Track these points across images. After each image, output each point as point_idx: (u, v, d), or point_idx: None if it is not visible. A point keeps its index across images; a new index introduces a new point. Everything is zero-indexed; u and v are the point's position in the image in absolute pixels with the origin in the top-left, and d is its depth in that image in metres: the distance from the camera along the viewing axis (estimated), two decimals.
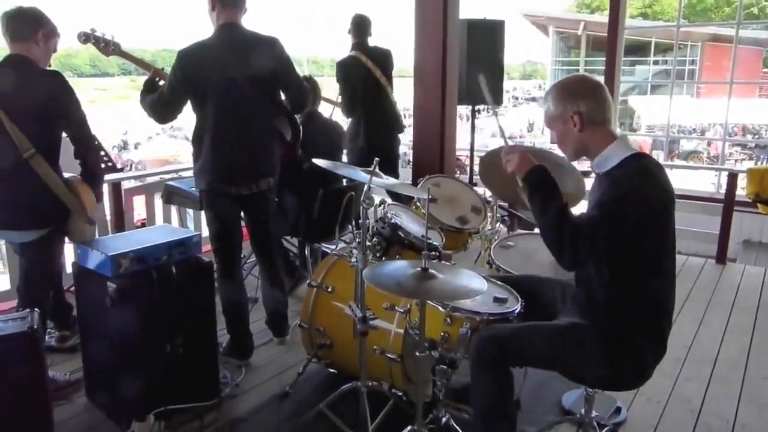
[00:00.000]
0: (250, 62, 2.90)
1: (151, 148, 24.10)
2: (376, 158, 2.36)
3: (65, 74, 2.78)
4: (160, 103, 2.92)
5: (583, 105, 1.98)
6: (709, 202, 5.65)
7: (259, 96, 2.96)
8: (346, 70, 4.57)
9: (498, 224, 5.20)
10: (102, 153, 3.55)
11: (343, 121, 4.86)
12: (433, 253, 2.71)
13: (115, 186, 4.25)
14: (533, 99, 39.89)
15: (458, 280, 1.99)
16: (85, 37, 2.96)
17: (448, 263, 2.55)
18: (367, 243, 2.47)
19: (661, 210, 1.91)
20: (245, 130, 2.95)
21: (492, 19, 5.17)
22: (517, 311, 2.23)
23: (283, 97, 3.14)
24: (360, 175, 2.37)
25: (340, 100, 4.71)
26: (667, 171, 2.04)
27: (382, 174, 2.36)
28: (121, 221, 4.26)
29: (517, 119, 29.80)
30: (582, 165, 2.41)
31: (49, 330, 3.24)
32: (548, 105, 2.05)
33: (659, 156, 14.55)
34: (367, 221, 2.32)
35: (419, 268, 1.97)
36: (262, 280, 3.37)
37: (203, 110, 2.91)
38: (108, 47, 3.02)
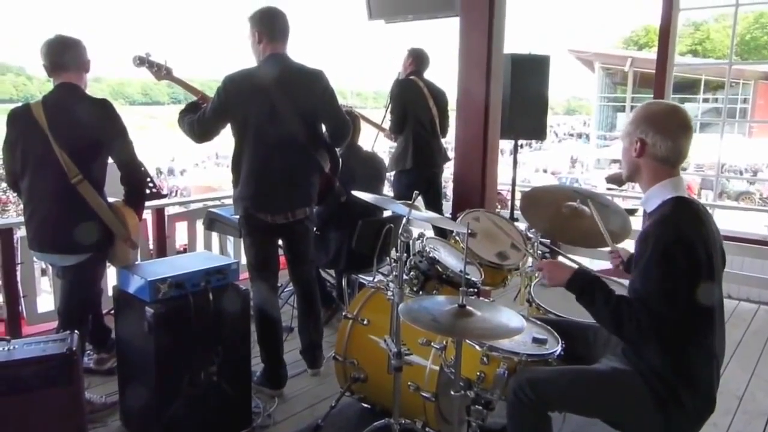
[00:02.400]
0: (294, 93, 2.94)
1: (197, 174, 24.70)
2: (416, 191, 2.34)
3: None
4: (199, 122, 2.96)
5: (651, 137, 1.91)
6: (762, 246, 5.43)
7: (300, 126, 2.98)
8: (402, 89, 4.62)
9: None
10: (148, 179, 3.64)
11: (384, 153, 4.87)
12: (471, 289, 2.66)
13: (159, 212, 4.33)
14: (579, 135, 39.55)
15: (496, 318, 1.94)
16: (140, 61, 3.03)
17: (486, 300, 2.49)
18: (405, 277, 2.44)
19: (702, 254, 1.83)
20: (284, 159, 2.96)
21: (537, 55, 5.15)
22: (557, 353, 2.15)
23: (324, 129, 3.16)
24: (399, 208, 2.35)
25: (388, 120, 4.73)
26: (717, 212, 1.99)
27: (420, 207, 2.34)
28: (163, 246, 4.33)
29: (559, 155, 29.54)
30: (627, 203, 2.36)
31: (87, 351, 3.29)
32: (630, 118, 2.02)
33: (708, 196, 14.16)
34: (405, 254, 2.29)
35: (456, 305, 1.93)
36: (299, 310, 3.36)
37: (243, 137, 2.94)
38: (161, 71, 3.08)
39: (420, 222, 2.74)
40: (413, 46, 4.71)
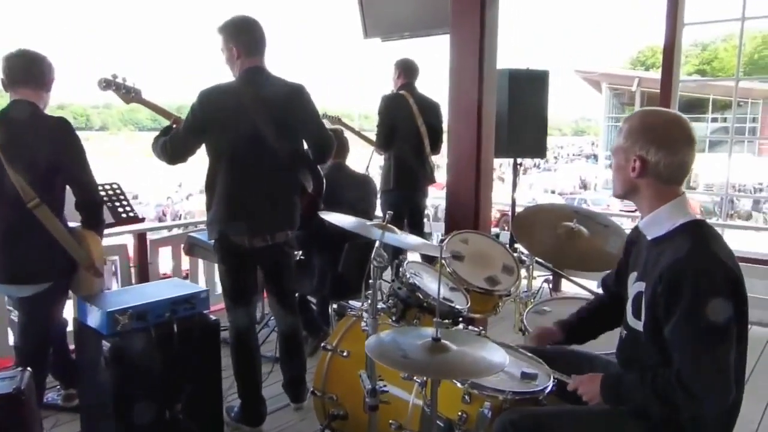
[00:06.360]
0: (275, 108, 2.76)
1: (203, 199, 24.67)
2: (389, 211, 2.15)
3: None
4: (172, 142, 2.78)
5: (653, 154, 1.67)
6: None
7: (281, 144, 2.80)
8: (389, 105, 4.45)
9: (542, 285, 4.87)
10: (125, 202, 3.49)
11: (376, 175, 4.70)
12: (458, 318, 2.45)
13: (141, 236, 4.17)
14: (587, 156, 39.45)
15: (476, 352, 1.73)
16: (106, 84, 2.86)
17: (476, 330, 2.29)
18: (382, 305, 2.24)
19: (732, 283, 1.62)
20: (263, 178, 2.79)
21: (535, 70, 5.00)
22: (547, 390, 1.95)
23: (306, 146, 2.99)
24: (371, 231, 2.13)
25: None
26: (726, 231, 1.77)
27: (395, 228, 2.13)
28: (145, 273, 4.16)
29: (568, 176, 29.35)
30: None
31: (57, 387, 3.11)
32: (622, 131, 1.76)
33: (718, 216, 13.89)
34: (380, 281, 2.09)
35: (430, 338, 1.72)
36: (280, 342, 3.16)
37: (219, 155, 2.77)
38: (129, 94, 2.91)
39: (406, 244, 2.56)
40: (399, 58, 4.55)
